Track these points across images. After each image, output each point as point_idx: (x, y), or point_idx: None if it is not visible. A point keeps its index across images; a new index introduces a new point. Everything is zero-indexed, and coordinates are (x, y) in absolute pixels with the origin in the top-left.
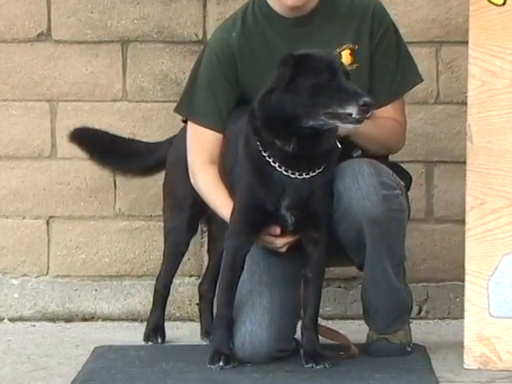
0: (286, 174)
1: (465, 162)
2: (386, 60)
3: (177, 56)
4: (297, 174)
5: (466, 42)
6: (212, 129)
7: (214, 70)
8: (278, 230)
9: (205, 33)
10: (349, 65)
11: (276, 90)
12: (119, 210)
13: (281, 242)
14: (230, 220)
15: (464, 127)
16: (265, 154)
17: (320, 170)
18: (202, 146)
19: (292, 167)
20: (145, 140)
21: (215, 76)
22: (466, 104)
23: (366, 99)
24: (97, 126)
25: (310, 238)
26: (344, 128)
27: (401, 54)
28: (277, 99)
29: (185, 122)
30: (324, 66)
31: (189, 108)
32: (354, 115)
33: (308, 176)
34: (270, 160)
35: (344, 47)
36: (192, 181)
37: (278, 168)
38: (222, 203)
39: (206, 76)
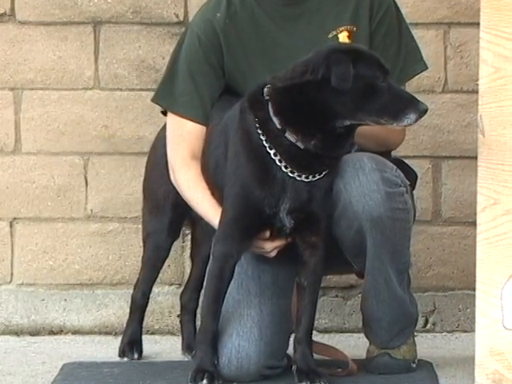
0: (291, 175)
1: (476, 157)
2: (386, 44)
3: (155, 39)
4: (303, 176)
5: (478, 24)
6: (194, 120)
7: (196, 54)
8: (267, 233)
9: (186, 13)
10: None
11: (317, 84)
12: (91, 210)
13: (270, 246)
14: (220, 223)
15: (475, 118)
16: (270, 151)
17: (325, 173)
18: (182, 139)
19: (301, 168)
20: (119, 133)
21: (197, 61)
22: (477, 93)
23: (425, 107)
24: (65, 117)
25: (307, 243)
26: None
27: (403, 37)
28: (318, 96)
29: (164, 113)
30: (376, 65)
31: (168, 97)
32: (408, 122)
33: (314, 179)
34: (276, 158)
35: (341, 29)
36: (172, 178)
37: (283, 168)
38: (205, 203)
39: (187, 61)
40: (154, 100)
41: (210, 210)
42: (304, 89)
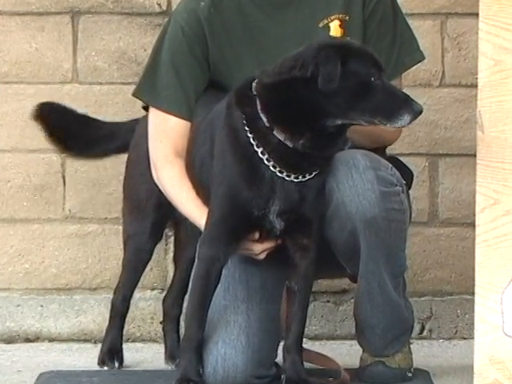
0: (279, 175)
1: (475, 155)
2: (380, 33)
3: (136, 30)
4: (293, 176)
5: (477, 14)
6: (178, 116)
7: (179, 46)
8: (256, 235)
9: (169, 3)
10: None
11: (307, 81)
12: (69, 211)
13: (259, 248)
14: (206, 224)
15: (474, 114)
16: (257, 150)
17: (317, 172)
18: (165, 136)
19: (289, 168)
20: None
21: (181, 53)
22: (475, 87)
23: (420, 108)
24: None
25: (298, 245)
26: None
27: (398, 26)
28: (307, 94)
29: (146, 108)
30: (369, 62)
31: (150, 91)
32: (402, 124)
33: (304, 179)
34: (264, 157)
35: (333, 18)
36: (154, 177)
37: (271, 168)
38: (190, 203)
39: (170, 54)
40: (135, 94)
41: (195, 210)
42: (293, 85)
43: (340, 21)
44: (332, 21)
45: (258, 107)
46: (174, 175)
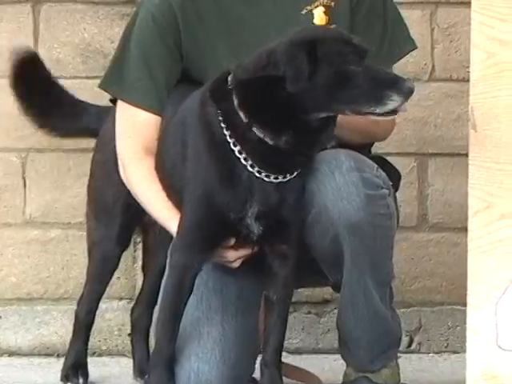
0: (258, 175)
1: (467, 155)
2: (370, 22)
3: (102, 20)
4: (272, 177)
5: (469, 3)
6: (148, 110)
7: (150, 34)
8: (231, 240)
9: None
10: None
11: (280, 80)
12: (30, 215)
13: (233, 256)
14: (178, 229)
15: (466, 111)
16: (234, 148)
17: (297, 172)
18: (134, 131)
19: (269, 168)
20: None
21: (152, 43)
22: (468, 81)
23: (410, 85)
24: (0, 109)
25: (277, 252)
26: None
27: (388, 13)
28: (283, 92)
29: (113, 101)
30: (346, 48)
31: (118, 83)
32: (393, 106)
33: (284, 180)
34: (241, 156)
35: (316, 4)
36: (122, 175)
37: (249, 168)
38: (160, 204)
39: (140, 43)
40: (101, 86)
41: (165, 213)
42: (269, 83)
43: (325, 7)
44: (316, 7)
45: (235, 103)
46: (144, 174)
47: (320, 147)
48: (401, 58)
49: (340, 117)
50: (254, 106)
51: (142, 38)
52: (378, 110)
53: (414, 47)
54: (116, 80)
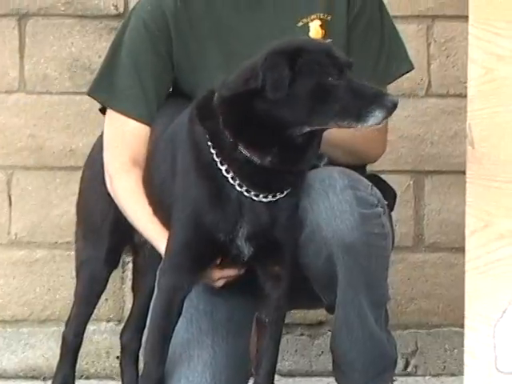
0: (247, 195)
1: (464, 173)
2: (367, 38)
3: (90, 34)
4: (261, 195)
5: (466, 17)
6: (137, 119)
7: (141, 42)
8: (217, 260)
9: (126, 4)
10: None
11: (261, 93)
12: (15, 235)
13: (217, 275)
14: (167, 250)
15: (463, 127)
16: (221, 167)
17: (289, 191)
18: (123, 141)
19: (257, 187)
20: (48, 144)
21: (143, 51)
22: (465, 97)
23: (393, 100)
24: None
25: (269, 273)
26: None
27: (385, 31)
28: (263, 105)
29: (103, 111)
30: (327, 60)
31: (108, 90)
32: (375, 121)
33: (274, 199)
34: (229, 176)
35: (313, 17)
36: (108, 187)
37: (237, 187)
38: (148, 220)
39: (131, 50)
40: (90, 93)
41: (153, 230)
42: (250, 97)
43: (321, 20)
44: (312, 20)
45: (220, 121)
46: (131, 187)
47: (307, 164)
48: (397, 78)
49: (326, 134)
50: (238, 124)
51: (133, 45)
52: (358, 126)
53: (411, 68)
54: (105, 87)
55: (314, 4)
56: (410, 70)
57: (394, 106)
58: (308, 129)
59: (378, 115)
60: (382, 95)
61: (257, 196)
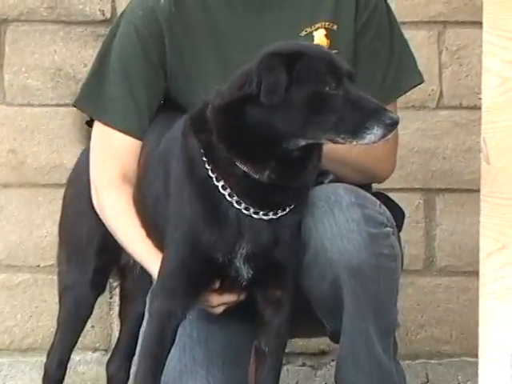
0: (246, 212)
1: (479, 191)
2: (375, 49)
3: (75, 42)
4: (261, 213)
5: (480, 23)
6: (127, 132)
7: (132, 49)
8: (217, 284)
9: (114, 10)
10: None
11: (255, 99)
12: None
13: (216, 301)
14: (160, 273)
15: (477, 141)
16: (217, 184)
17: (291, 208)
18: (112, 155)
19: (257, 203)
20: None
21: (134, 58)
22: (479, 109)
23: (394, 118)
24: None
25: (269, 298)
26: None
27: (395, 41)
28: (257, 112)
29: (89, 123)
30: (325, 68)
31: (95, 101)
32: (372, 139)
33: (276, 216)
34: (226, 192)
35: (317, 26)
36: (95, 203)
37: (235, 204)
38: (138, 239)
39: (120, 57)
40: (76, 104)
41: (145, 252)
42: (244, 105)
43: (326, 30)
44: (316, 29)
45: (214, 134)
46: (121, 204)
47: (308, 179)
48: (406, 92)
49: (329, 150)
50: (232, 136)
51: (123, 52)
52: (354, 142)
53: (422, 81)
54: (93, 98)
55: (319, 12)
56: (420, 83)
57: (394, 123)
58: (303, 142)
59: (375, 132)
60: (381, 110)
61: (257, 213)
